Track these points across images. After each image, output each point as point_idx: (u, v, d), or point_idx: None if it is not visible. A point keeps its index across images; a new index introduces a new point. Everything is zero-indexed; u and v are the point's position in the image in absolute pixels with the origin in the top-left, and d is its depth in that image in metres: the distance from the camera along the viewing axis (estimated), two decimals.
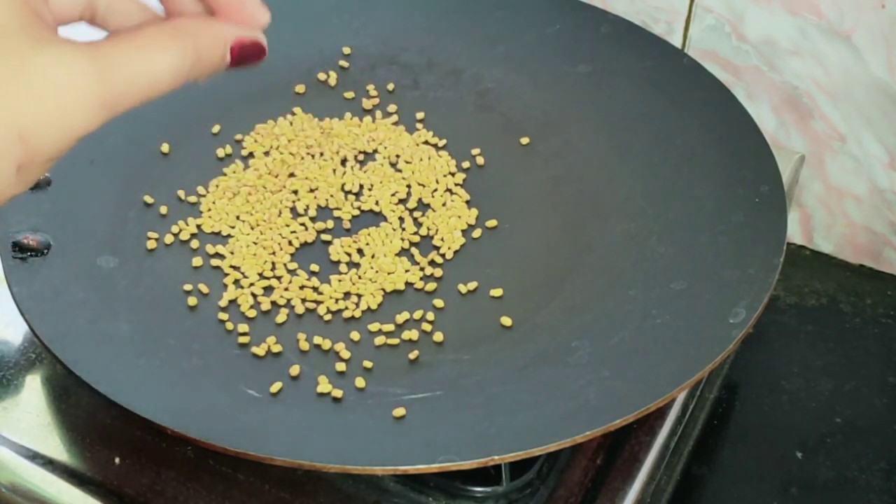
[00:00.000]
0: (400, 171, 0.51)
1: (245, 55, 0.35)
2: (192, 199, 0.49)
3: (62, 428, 0.44)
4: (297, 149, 0.52)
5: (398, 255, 0.47)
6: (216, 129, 0.53)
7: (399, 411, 0.40)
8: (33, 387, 0.46)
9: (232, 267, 0.46)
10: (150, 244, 0.47)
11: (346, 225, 0.49)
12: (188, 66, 0.34)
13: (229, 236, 0.48)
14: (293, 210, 0.49)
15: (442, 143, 0.53)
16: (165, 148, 0.51)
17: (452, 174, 0.51)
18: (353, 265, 0.47)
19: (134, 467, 0.42)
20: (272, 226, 0.48)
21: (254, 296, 0.45)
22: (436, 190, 0.50)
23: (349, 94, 0.55)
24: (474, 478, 0.42)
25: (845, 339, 0.57)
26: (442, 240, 0.48)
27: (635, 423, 0.43)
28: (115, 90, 0.32)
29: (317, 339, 0.43)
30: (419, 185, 0.51)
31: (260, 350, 0.43)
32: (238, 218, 0.48)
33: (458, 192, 0.50)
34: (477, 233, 0.49)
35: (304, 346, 0.43)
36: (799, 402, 0.54)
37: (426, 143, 0.53)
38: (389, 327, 0.44)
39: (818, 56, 0.56)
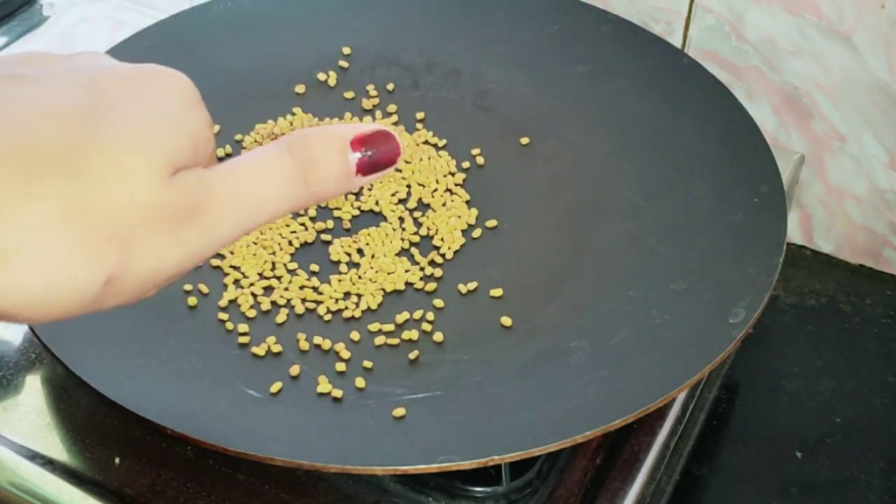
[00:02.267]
0: (400, 171, 0.51)
1: (374, 153, 0.30)
2: None
3: (62, 428, 0.44)
4: None
5: (398, 255, 0.47)
6: (216, 129, 0.53)
7: (399, 411, 0.40)
8: (33, 387, 0.46)
9: (232, 267, 0.46)
10: None
11: (346, 225, 0.49)
12: (300, 186, 0.30)
13: None
14: None
15: (442, 143, 0.53)
16: None
17: (452, 174, 0.51)
18: (353, 265, 0.47)
19: (134, 467, 0.42)
20: (272, 226, 0.48)
21: (254, 296, 0.45)
22: (436, 190, 0.50)
23: (349, 94, 0.55)
24: (474, 478, 0.42)
25: (845, 339, 0.57)
26: (442, 240, 0.48)
27: (635, 423, 0.43)
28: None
29: (317, 339, 0.43)
30: (419, 185, 0.51)
31: (260, 350, 0.43)
32: None
33: (458, 192, 0.50)
34: (477, 233, 0.49)
35: (304, 346, 0.43)
36: (799, 402, 0.54)
37: (426, 143, 0.53)
38: (389, 327, 0.44)
39: (818, 56, 0.56)
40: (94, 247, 0.27)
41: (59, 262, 0.27)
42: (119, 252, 0.28)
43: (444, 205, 0.50)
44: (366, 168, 0.31)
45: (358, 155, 0.31)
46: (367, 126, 0.31)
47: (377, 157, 0.31)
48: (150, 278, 0.30)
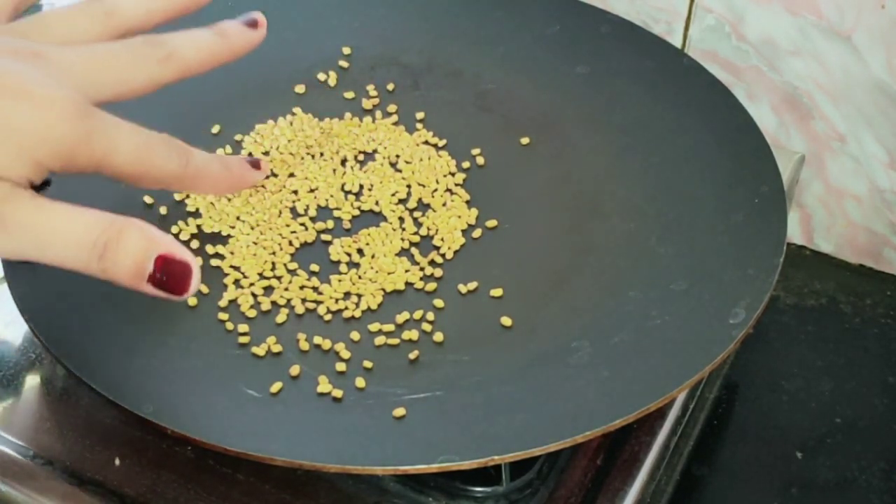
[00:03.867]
0: (400, 171, 0.51)
1: (167, 278, 0.35)
2: (192, 199, 0.49)
3: (62, 428, 0.44)
4: (297, 149, 0.52)
5: (398, 255, 0.47)
6: (216, 129, 0.52)
7: (399, 411, 0.40)
8: (33, 387, 0.46)
9: (232, 267, 0.46)
10: None
11: (346, 225, 0.49)
12: (92, 257, 0.34)
13: (229, 236, 0.48)
14: (293, 210, 0.49)
15: (442, 143, 0.53)
16: None
17: (452, 174, 0.51)
18: (353, 265, 0.47)
19: (134, 468, 0.42)
20: (272, 226, 0.48)
21: (254, 296, 0.45)
22: (436, 190, 0.50)
23: (349, 94, 0.55)
24: (474, 478, 0.42)
25: (845, 339, 0.57)
26: (442, 240, 0.48)
27: (635, 423, 0.43)
28: None
29: (317, 339, 0.43)
30: (419, 185, 0.50)
31: (260, 350, 0.43)
32: (238, 218, 0.48)
33: (458, 192, 0.50)
34: (477, 233, 0.49)
35: (304, 346, 0.43)
36: (799, 402, 0.54)
37: (426, 143, 0.53)
38: (389, 327, 0.44)
39: (818, 56, 0.56)
40: None
41: None
42: None
43: (444, 205, 0.50)
44: (155, 282, 0.35)
45: (151, 269, 0.35)
46: (177, 251, 0.35)
47: (167, 282, 0.35)
48: None
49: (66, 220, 0.34)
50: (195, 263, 0.35)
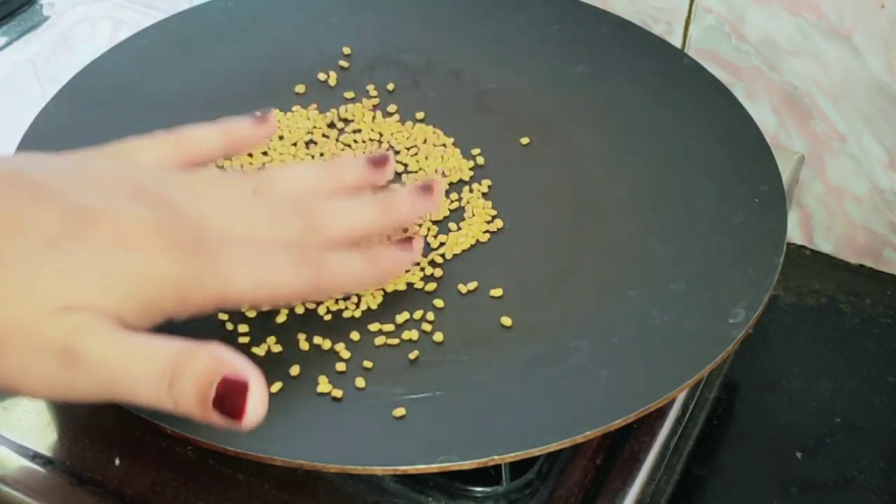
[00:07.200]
0: (400, 174, 0.51)
1: (226, 399, 0.31)
2: None
3: (62, 428, 0.44)
4: (297, 151, 0.52)
5: None
6: None
7: (399, 411, 0.40)
8: None
9: None
10: None
11: None
12: (162, 388, 0.32)
13: None
14: None
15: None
16: None
17: None
18: None
19: (134, 467, 0.42)
20: None
21: None
22: None
23: (349, 94, 0.55)
24: (474, 478, 0.42)
25: (845, 339, 0.57)
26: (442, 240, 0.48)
27: (635, 423, 0.43)
28: None
29: (317, 339, 0.43)
30: None
31: (260, 350, 0.43)
32: None
33: None
34: None
35: (304, 346, 0.43)
36: (799, 402, 0.54)
37: (426, 142, 0.53)
38: (389, 327, 0.44)
39: (818, 56, 0.56)
40: None
41: None
42: None
43: None
44: (217, 408, 0.32)
45: (213, 394, 0.31)
46: (239, 369, 0.32)
47: (224, 405, 0.31)
48: (15, 388, 0.32)
49: (140, 349, 0.32)
50: (258, 382, 0.31)
